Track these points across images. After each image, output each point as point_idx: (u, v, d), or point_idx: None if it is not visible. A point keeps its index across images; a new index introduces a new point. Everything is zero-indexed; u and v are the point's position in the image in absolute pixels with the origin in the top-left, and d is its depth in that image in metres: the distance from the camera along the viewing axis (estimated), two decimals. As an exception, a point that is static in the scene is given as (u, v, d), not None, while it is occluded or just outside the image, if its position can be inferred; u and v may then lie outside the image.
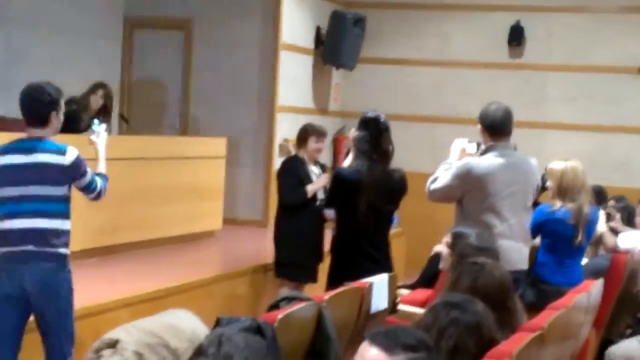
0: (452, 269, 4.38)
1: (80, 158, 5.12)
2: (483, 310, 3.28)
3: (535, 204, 6.56)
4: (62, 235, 5.05)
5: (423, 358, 2.55)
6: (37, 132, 5.09)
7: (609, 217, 6.70)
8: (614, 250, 6.45)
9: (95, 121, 5.74)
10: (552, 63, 11.94)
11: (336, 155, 12.12)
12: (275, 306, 4.27)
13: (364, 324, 4.89)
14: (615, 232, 6.58)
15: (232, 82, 11.13)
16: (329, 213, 7.15)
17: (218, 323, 3.68)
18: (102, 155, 5.47)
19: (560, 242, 6.22)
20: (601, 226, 6.49)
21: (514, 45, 12.00)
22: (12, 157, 5.04)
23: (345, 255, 6.15)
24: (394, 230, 7.58)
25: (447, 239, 4.80)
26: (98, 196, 5.28)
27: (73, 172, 5.09)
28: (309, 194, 7.50)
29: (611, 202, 8.63)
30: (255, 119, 11.11)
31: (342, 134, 12.19)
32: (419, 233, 10.90)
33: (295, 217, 7.55)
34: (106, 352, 2.76)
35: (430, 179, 5.95)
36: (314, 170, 7.68)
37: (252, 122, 11.09)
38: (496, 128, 5.84)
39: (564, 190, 6.21)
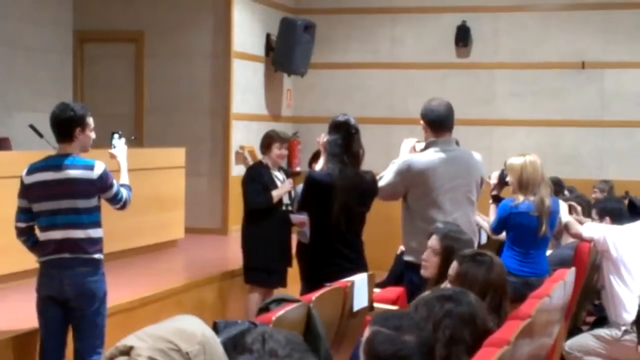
0: (443, 266, 4.46)
1: (107, 171, 5.43)
2: (475, 301, 3.41)
3: (498, 199, 6.72)
4: (95, 243, 5.41)
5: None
6: (65, 148, 5.39)
7: (571, 210, 6.88)
8: (579, 236, 6.64)
9: (115, 136, 5.85)
10: (499, 61, 12.20)
11: (290, 160, 12.24)
12: (265, 309, 4.35)
13: (348, 322, 5.01)
14: (580, 223, 6.76)
15: (186, 92, 11.19)
16: (295, 217, 7.23)
17: (215, 327, 3.76)
18: (124, 167, 5.79)
19: (525, 234, 6.37)
20: (564, 216, 6.67)
21: (460, 45, 12.24)
22: (43, 175, 5.34)
23: (321, 257, 6.19)
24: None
25: (433, 241, 4.82)
26: (124, 206, 5.62)
27: (101, 185, 5.40)
28: (275, 199, 7.58)
29: (566, 194, 8.83)
30: (210, 127, 11.18)
31: (295, 138, 12.32)
32: (377, 233, 11.02)
33: (261, 222, 7.61)
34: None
35: (378, 177, 6.06)
36: (278, 175, 7.76)
37: (207, 131, 11.16)
38: (440, 123, 5.91)
39: (525, 184, 6.35)
